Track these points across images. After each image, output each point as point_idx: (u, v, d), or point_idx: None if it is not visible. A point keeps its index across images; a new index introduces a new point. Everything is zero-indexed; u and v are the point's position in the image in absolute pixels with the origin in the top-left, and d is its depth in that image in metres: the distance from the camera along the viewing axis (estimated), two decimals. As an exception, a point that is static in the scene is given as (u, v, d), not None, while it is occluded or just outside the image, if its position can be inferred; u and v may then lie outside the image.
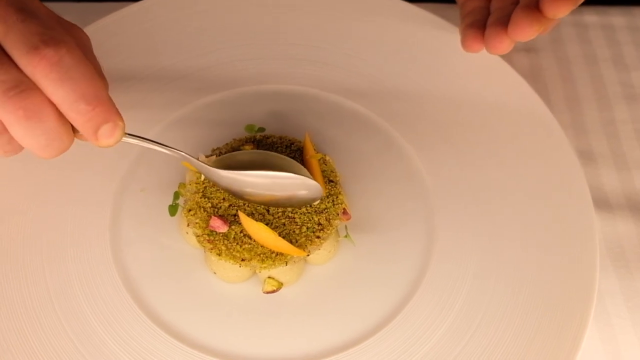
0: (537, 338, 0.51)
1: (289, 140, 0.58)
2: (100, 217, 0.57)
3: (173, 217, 0.57)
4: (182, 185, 0.57)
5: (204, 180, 0.55)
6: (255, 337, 0.52)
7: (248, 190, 0.52)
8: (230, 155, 0.54)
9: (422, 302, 0.53)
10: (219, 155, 0.56)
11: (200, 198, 0.54)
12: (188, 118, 0.64)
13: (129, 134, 0.44)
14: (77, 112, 0.39)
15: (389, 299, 0.54)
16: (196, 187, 0.55)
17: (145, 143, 0.46)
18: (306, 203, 0.53)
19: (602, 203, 0.62)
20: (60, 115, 0.39)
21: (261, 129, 0.61)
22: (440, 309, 0.53)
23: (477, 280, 0.54)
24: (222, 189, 0.53)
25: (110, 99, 0.41)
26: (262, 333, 0.52)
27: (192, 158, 0.50)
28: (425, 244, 0.56)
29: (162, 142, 0.48)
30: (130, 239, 0.56)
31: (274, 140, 0.58)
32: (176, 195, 0.57)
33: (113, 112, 0.40)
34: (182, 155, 0.49)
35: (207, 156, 0.54)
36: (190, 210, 0.54)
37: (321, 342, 0.52)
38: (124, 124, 0.41)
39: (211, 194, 0.54)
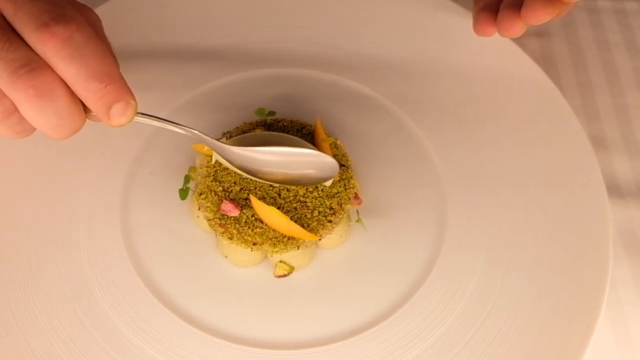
0: (549, 325, 0.51)
1: (300, 124, 0.58)
2: (110, 200, 0.57)
3: (183, 201, 0.56)
4: (192, 168, 0.57)
5: (215, 163, 0.55)
6: (266, 321, 0.52)
7: (262, 168, 0.51)
8: (243, 137, 0.53)
9: (434, 287, 0.53)
10: (230, 139, 0.56)
11: (211, 182, 0.54)
12: (197, 101, 0.63)
13: (141, 113, 0.43)
14: (88, 90, 0.38)
15: (400, 284, 0.53)
16: (207, 170, 0.55)
17: (158, 122, 0.45)
18: (321, 181, 0.53)
19: (614, 190, 0.62)
20: (71, 94, 0.39)
21: (272, 113, 0.60)
22: (452, 294, 0.53)
23: (489, 266, 0.54)
24: (236, 167, 0.52)
25: (122, 77, 0.40)
26: (273, 317, 0.52)
27: (205, 136, 0.49)
28: (437, 229, 0.56)
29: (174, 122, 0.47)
30: (141, 222, 0.56)
31: (285, 124, 0.58)
32: (187, 179, 0.56)
33: (125, 90, 0.40)
34: (195, 133, 0.48)
35: (218, 139, 0.54)
36: (201, 194, 0.53)
37: (332, 326, 0.52)
38: (136, 102, 0.41)
39: (222, 177, 0.54)
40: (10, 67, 0.37)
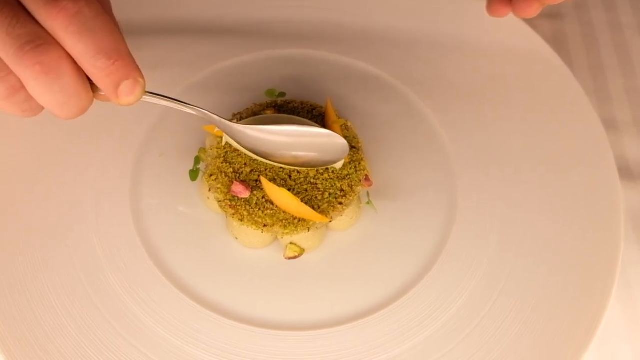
0: (559, 308, 0.50)
1: (311, 105, 0.58)
2: (120, 182, 0.57)
3: (193, 182, 0.56)
4: (202, 150, 0.56)
5: (225, 144, 0.54)
6: (276, 302, 0.52)
7: (272, 151, 0.51)
8: (253, 118, 0.53)
9: (444, 269, 0.53)
10: (240, 120, 0.55)
11: (222, 163, 0.54)
12: (207, 82, 0.63)
13: (150, 93, 0.43)
14: (96, 66, 0.38)
15: (410, 266, 0.53)
16: (217, 151, 0.54)
17: (167, 102, 0.44)
18: (331, 163, 0.53)
19: (624, 172, 0.61)
20: (78, 71, 0.38)
21: (282, 94, 0.60)
22: (463, 275, 0.53)
23: (499, 248, 0.54)
24: (245, 148, 0.52)
25: (130, 54, 0.39)
26: (284, 299, 0.52)
27: (214, 116, 0.48)
28: (447, 210, 0.56)
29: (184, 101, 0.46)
30: (151, 204, 0.56)
31: (295, 105, 0.58)
32: (197, 160, 0.56)
33: (133, 67, 0.39)
34: (205, 113, 0.47)
35: (228, 120, 0.54)
36: (211, 175, 0.53)
37: (343, 308, 0.52)
38: (144, 81, 0.40)
39: (232, 159, 0.54)
40: (16, 43, 0.37)
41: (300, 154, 0.52)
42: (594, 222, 0.54)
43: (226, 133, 0.51)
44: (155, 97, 0.43)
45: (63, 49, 0.38)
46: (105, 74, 0.38)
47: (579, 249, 0.53)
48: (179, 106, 0.45)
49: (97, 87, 0.40)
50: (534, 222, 0.55)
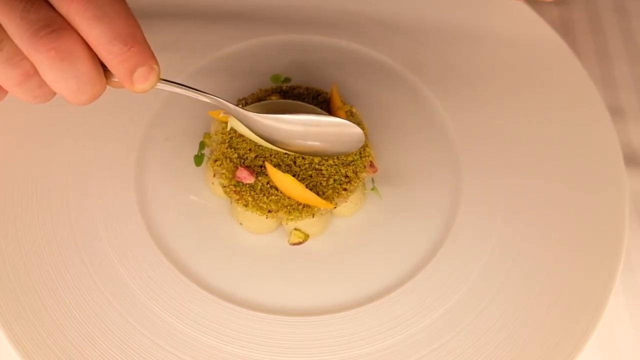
0: (564, 294, 0.51)
1: (316, 91, 0.57)
2: (125, 166, 0.57)
3: (198, 168, 0.56)
4: (207, 135, 0.56)
5: (230, 130, 0.54)
6: (280, 288, 0.52)
7: (286, 140, 0.51)
8: (260, 104, 0.53)
9: (449, 255, 0.53)
10: (245, 106, 0.55)
11: (227, 148, 0.54)
12: (212, 67, 0.63)
13: (164, 80, 0.42)
14: (112, 52, 0.37)
15: (415, 252, 0.54)
16: (222, 137, 0.54)
17: (180, 89, 0.44)
18: (344, 153, 0.52)
19: (630, 159, 0.61)
20: (93, 57, 0.38)
21: (287, 80, 0.60)
22: (468, 261, 0.53)
23: (503, 236, 0.54)
24: (260, 137, 0.51)
25: (146, 41, 0.39)
26: (288, 284, 0.52)
27: (229, 104, 0.48)
28: (452, 196, 0.56)
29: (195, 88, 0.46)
30: (156, 189, 0.56)
31: (301, 91, 0.58)
32: (202, 146, 0.56)
33: (149, 54, 0.39)
34: (219, 101, 0.47)
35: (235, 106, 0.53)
36: (216, 160, 0.53)
37: (347, 294, 0.52)
38: (159, 67, 0.39)
39: (237, 144, 0.54)
40: (31, 28, 0.36)
41: (316, 143, 0.51)
42: (599, 209, 0.54)
43: (241, 121, 0.50)
44: (169, 84, 0.43)
45: (78, 34, 0.37)
46: (121, 60, 0.38)
47: (584, 235, 0.53)
48: (193, 93, 0.45)
49: (109, 73, 0.39)
50: (538, 209, 0.55)
